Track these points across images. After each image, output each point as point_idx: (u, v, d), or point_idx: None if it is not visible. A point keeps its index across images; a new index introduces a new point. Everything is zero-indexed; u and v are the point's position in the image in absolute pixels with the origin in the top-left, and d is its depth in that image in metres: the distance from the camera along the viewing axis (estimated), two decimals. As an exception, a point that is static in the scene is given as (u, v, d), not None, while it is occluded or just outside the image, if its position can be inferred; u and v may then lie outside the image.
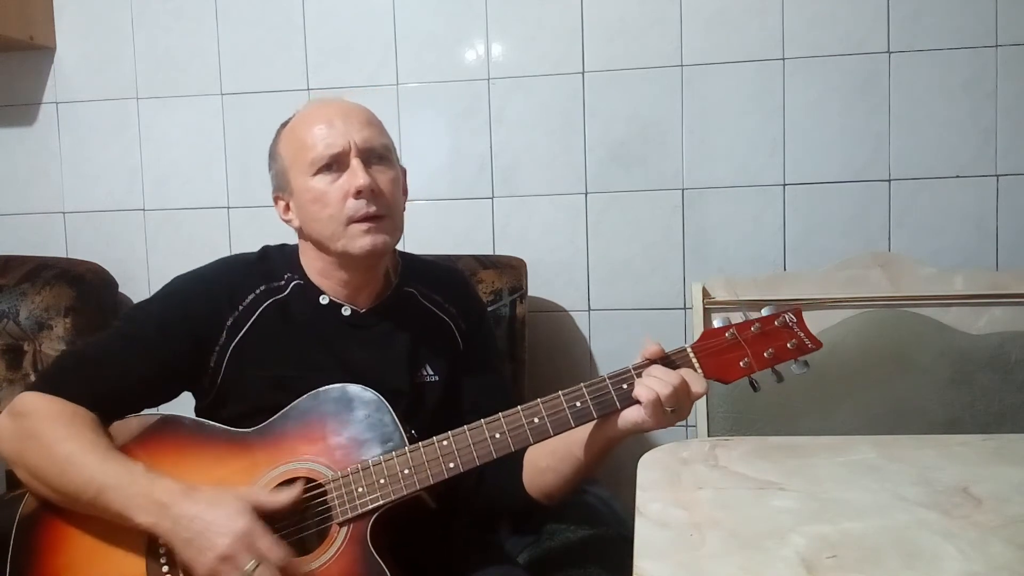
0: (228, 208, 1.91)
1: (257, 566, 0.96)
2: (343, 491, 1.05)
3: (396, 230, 1.17)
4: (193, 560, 0.98)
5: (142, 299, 1.23)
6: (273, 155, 1.20)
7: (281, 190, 1.19)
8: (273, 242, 1.27)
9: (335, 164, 1.12)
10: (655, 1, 1.74)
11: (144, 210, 1.94)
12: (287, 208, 1.19)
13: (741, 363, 1.05)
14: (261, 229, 1.29)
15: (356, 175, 1.11)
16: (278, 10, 1.85)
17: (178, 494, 1.00)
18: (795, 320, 1.07)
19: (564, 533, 1.35)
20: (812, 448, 1.09)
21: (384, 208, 1.13)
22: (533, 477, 1.16)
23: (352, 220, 1.11)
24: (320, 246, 1.16)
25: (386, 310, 1.21)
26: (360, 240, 1.12)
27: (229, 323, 1.16)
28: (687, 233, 1.77)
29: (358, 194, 1.11)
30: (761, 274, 1.68)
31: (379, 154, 1.15)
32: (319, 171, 1.12)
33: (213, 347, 1.15)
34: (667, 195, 1.77)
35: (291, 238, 1.26)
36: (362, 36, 1.84)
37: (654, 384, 1.00)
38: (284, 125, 1.20)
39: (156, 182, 1.93)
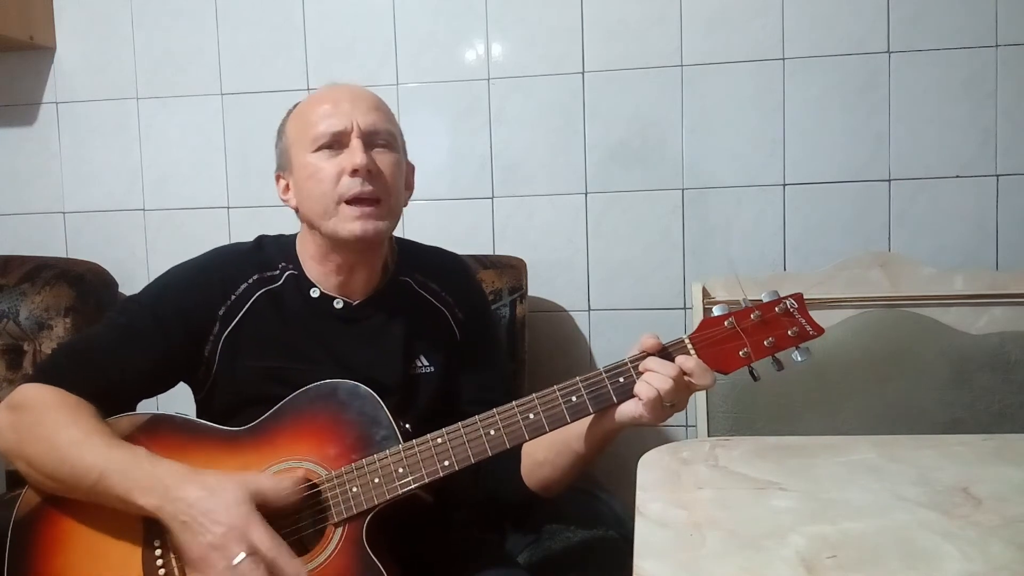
0: (228, 208, 1.91)
1: (245, 559, 0.96)
2: (337, 491, 1.05)
3: (391, 216, 1.15)
4: (186, 544, 0.98)
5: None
6: (280, 133, 1.20)
7: (282, 168, 1.19)
8: (273, 240, 1.27)
9: (336, 143, 1.12)
10: (655, 1, 1.74)
11: (144, 210, 1.94)
12: (287, 188, 1.19)
13: (740, 353, 1.03)
14: (261, 229, 1.28)
15: (354, 154, 1.10)
16: (278, 10, 1.86)
17: (181, 476, 1.01)
18: (796, 306, 1.04)
19: (564, 533, 1.35)
20: (812, 448, 1.09)
21: (381, 191, 1.11)
22: (531, 470, 1.15)
23: (344, 199, 1.10)
24: (313, 225, 1.15)
25: (380, 301, 1.20)
26: (350, 224, 1.10)
27: (222, 312, 1.15)
28: (687, 233, 1.77)
29: (354, 173, 1.09)
30: (761, 274, 1.68)
31: (383, 139, 1.14)
32: (319, 148, 1.12)
33: (207, 337, 1.15)
34: (667, 195, 1.77)
35: (288, 232, 1.26)
36: (362, 36, 1.84)
37: (654, 380, 0.99)
38: (296, 105, 1.20)
39: (156, 182, 1.93)
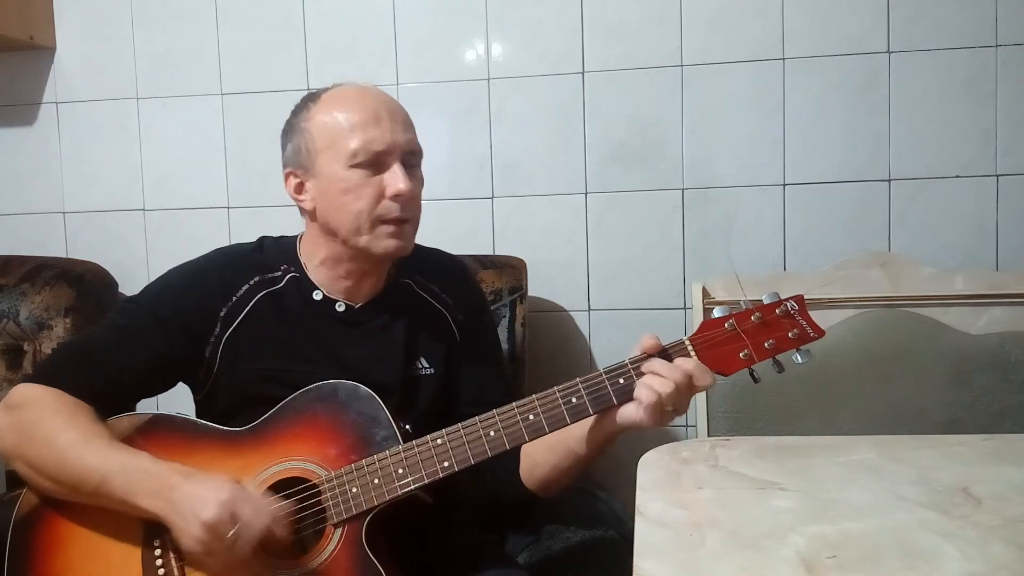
0: (228, 208, 1.91)
1: (238, 533, 0.97)
2: (337, 492, 1.05)
3: (415, 233, 1.17)
4: (183, 536, 0.98)
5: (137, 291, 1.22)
6: (295, 128, 1.15)
7: (300, 168, 1.15)
8: (273, 240, 1.26)
9: (375, 162, 1.11)
10: (655, 1, 1.74)
11: (144, 210, 1.94)
12: (300, 187, 1.16)
13: (741, 355, 1.02)
14: (261, 229, 1.28)
15: (398, 179, 1.10)
16: (278, 10, 1.85)
17: (179, 477, 1.01)
18: (797, 308, 1.03)
19: (564, 533, 1.35)
20: (812, 448, 1.09)
21: (412, 212, 1.14)
22: (530, 470, 1.15)
23: (383, 220, 1.11)
24: (334, 235, 1.14)
25: (381, 304, 1.20)
26: (385, 241, 1.12)
27: (223, 314, 1.15)
28: (687, 233, 1.77)
29: (395, 197, 1.10)
30: (761, 274, 1.68)
31: (416, 159, 1.15)
32: (357, 165, 1.10)
33: (208, 338, 1.15)
34: (667, 195, 1.77)
35: (289, 232, 1.26)
36: (362, 36, 1.84)
37: (655, 383, 0.99)
38: (313, 99, 1.15)
39: (156, 182, 1.93)
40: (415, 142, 1.15)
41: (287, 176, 1.17)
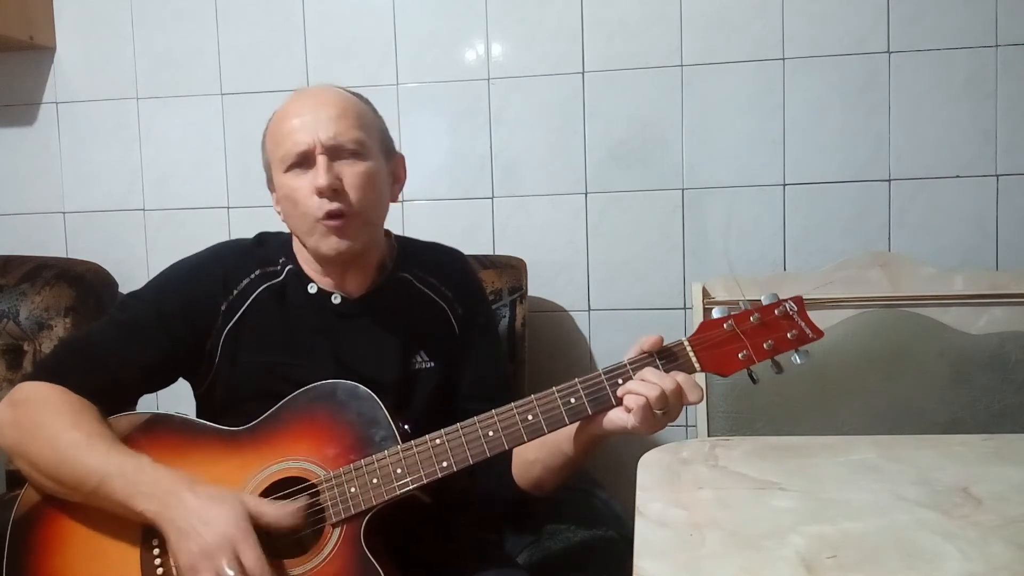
0: (228, 208, 1.91)
1: (231, 573, 0.95)
2: (335, 491, 1.05)
3: (366, 228, 1.14)
4: (179, 550, 0.98)
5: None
6: (262, 147, 1.19)
7: (269, 182, 1.20)
8: (273, 239, 1.26)
9: (304, 162, 1.11)
10: (655, 1, 1.74)
11: (144, 210, 1.94)
12: (276, 200, 1.19)
13: (740, 355, 1.03)
14: (261, 228, 1.29)
15: (317, 173, 1.09)
16: (278, 10, 1.86)
17: (182, 485, 1.00)
18: (795, 309, 1.04)
19: (564, 533, 1.35)
20: (812, 448, 1.09)
21: (347, 204, 1.10)
22: (522, 469, 1.15)
23: (319, 219, 1.10)
24: (299, 239, 1.17)
25: (378, 297, 1.20)
26: (326, 241, 1.11)
27: (224, 307, 1.15)
28: (687, 233, 1.77)
29: (318, 193, 1.09)
30: (761, 274, 1.68)
31: (350, 148, 1.11)
32: (290, 168, 1.11)
33: (210, 332, 1.15)
34: (667, 195, 1.77)
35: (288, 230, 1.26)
36: (362, 36, 1.84)
37: (641, 388, 0.99)
38: (272, 117, 1.18)
39: (156, 182, 1.93)
40: (344, 132, 1.10)
41: (270, 191, 1.21)
